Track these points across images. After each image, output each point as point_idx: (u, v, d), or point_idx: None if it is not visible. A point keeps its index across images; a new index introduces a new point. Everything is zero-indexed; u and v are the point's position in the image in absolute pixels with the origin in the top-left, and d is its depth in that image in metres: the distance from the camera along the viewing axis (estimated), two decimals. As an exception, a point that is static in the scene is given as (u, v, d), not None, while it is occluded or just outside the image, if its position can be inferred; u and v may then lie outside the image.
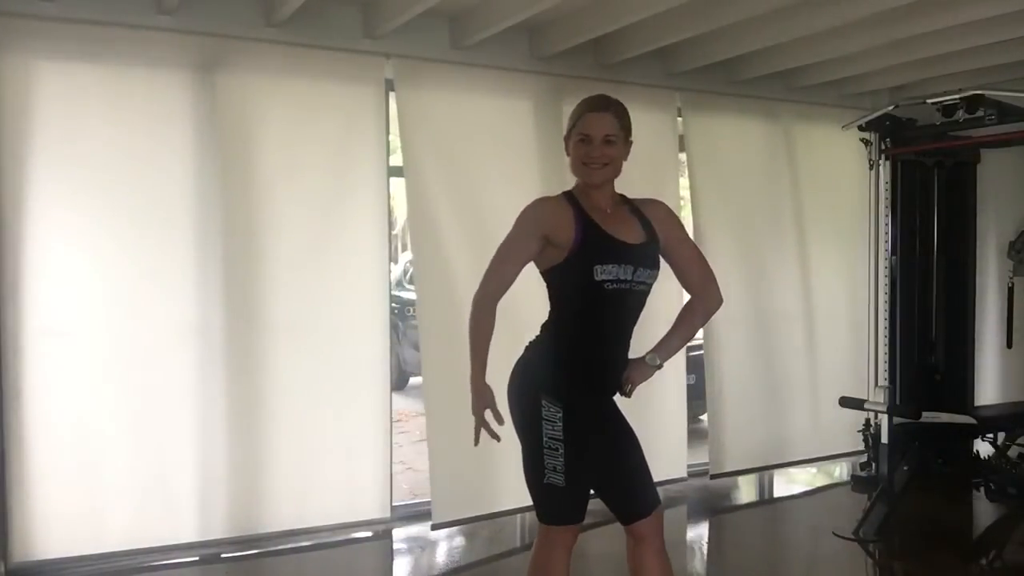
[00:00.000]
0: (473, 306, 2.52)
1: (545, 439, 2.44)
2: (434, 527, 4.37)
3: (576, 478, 2.46)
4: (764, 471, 5.59)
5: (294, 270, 4.24)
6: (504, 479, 4.52)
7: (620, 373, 2.56)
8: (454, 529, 4.54)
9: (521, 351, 2.63)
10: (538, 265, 2.54)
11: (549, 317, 2.58)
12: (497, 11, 4.18)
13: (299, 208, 4.25)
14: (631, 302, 2.51)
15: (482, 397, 2.51)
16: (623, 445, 2.59)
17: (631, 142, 2.58)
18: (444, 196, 4.50)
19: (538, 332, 2.60)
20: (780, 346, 5.60)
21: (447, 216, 4.51)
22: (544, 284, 2.57)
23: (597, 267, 2.41)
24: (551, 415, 2.44)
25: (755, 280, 5.51)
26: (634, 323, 2.57)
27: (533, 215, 2.52)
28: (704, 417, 5.65)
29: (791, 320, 5.66)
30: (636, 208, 2.59)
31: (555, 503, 2.50)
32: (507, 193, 4.69)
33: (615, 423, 2.60)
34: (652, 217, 2.58)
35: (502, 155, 4.69)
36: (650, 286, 2.54)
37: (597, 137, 2.48)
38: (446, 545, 4.51)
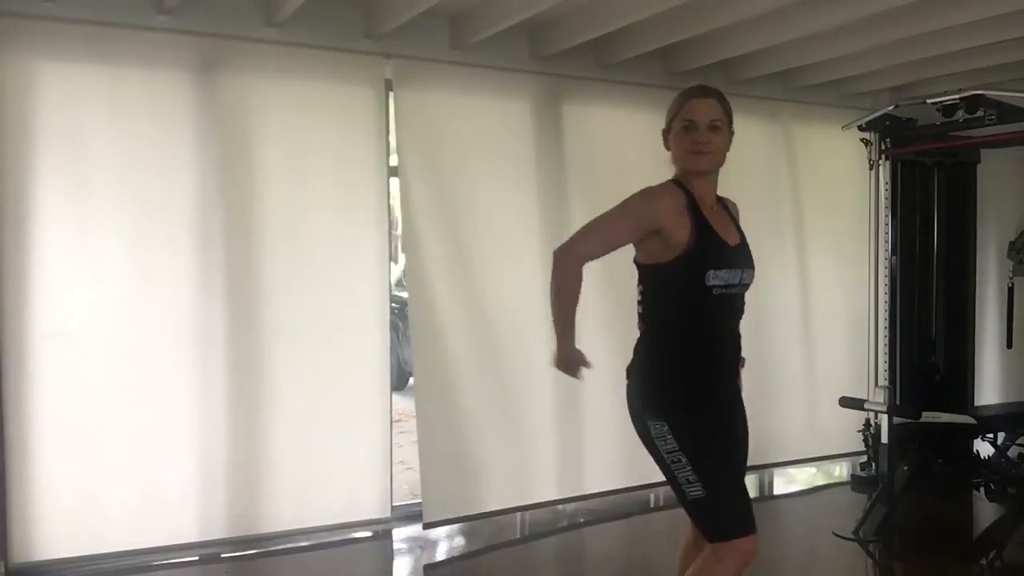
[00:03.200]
0: (558, 263, 2.36)
1: (666, 456, 2.35)
2: (425, 526, 4.38)
3: (714, 482, 2.33)
4: (761, 470, 5.59)
5: (294, 270, 4.24)
6: (495, 479, 4.55)
7: (729, 372, 2.50)
8: (454, 529, 4.55)
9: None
10: (639, 254, 2.43)
11: (647, 325, 2.45)
12: (497, 11, 4.18)
13: (299, 208, 4.25)
14: (736, 304, 2.46)
15: (573, 363, 2.39)
16: (742, 450, 2.52)
17: (733, 132, 2.52)
18: (440, 197, 4.51)
19: (633, 356, 2.48)
20: (778, 346, 5.60)
21: (442, 217, 4.52)
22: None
23: (710, 272, 2.33)
24: (659, 431, 2.35)
25: (753, 281, 5.50)
26: (739, 322, 2.49)
27: (654, 206, 2.36)
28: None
29: (789, 320, 5.66)
30: (725, 205, 2.55)
31: (712, 516, 2.36)
32: (504, 194, 4.72)
33: (739, 423, 2.52)
34: (736, 215, 2.56)
35: (500, 156, 4.70)
36: (748, 286, 2.48)
37: (703, 122, 2.40)
38: (446, 545, 4.51)
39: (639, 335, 2.47)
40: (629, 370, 2.48)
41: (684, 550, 2.59)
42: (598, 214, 2.45)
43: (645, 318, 2.45)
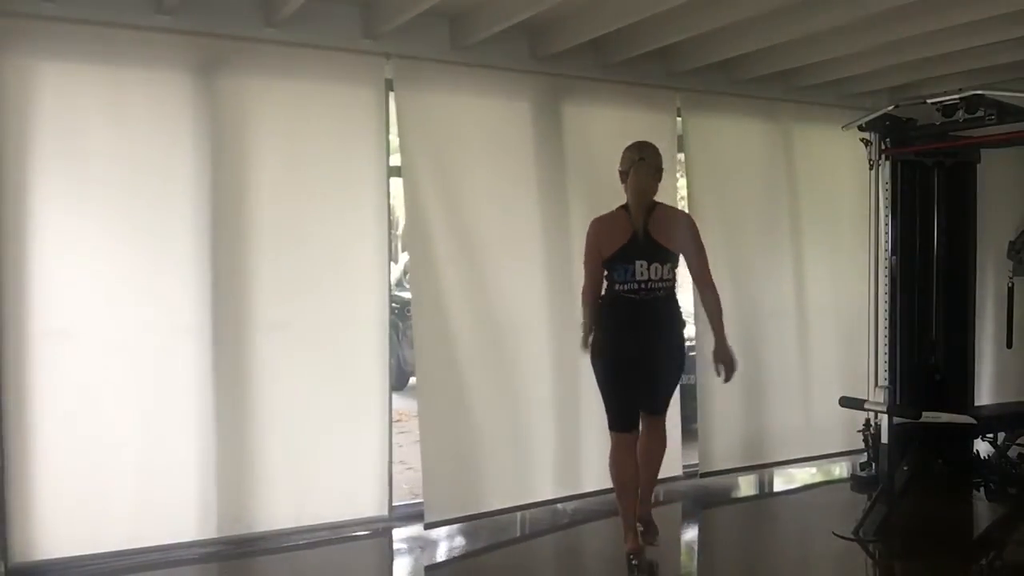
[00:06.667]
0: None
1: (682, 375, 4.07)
2: (427, 526, 4.38)
3: None
4: (756, 470, 5.60)
5: (294, 269, 4.24)
6: (496, 478, 4.55)
7: None
8: (453, 528, 4.54)
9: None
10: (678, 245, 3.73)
11: (672, 293, 3.76)
12: (497, 11, 4.18)
13: (300, 208, 4.26)
14: None
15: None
16: None
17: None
18: (442, 197, 4.52)
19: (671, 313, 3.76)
20: (778, 346, 5.60)
21: (444, 216, 4.52)
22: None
23: None
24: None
25: (753, 280, 5.51)
26: None
27: None
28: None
29: (789, 319, 5.67)
30: None
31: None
32: (504, 194, 4.72)
33: None
34: None
35: (500, 156, 4.71)
36: None
37: None
38: (445, 545, 4.51)
39: (668, 300, 3.75)
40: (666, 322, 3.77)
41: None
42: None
43: (672, 289, 3.77)
